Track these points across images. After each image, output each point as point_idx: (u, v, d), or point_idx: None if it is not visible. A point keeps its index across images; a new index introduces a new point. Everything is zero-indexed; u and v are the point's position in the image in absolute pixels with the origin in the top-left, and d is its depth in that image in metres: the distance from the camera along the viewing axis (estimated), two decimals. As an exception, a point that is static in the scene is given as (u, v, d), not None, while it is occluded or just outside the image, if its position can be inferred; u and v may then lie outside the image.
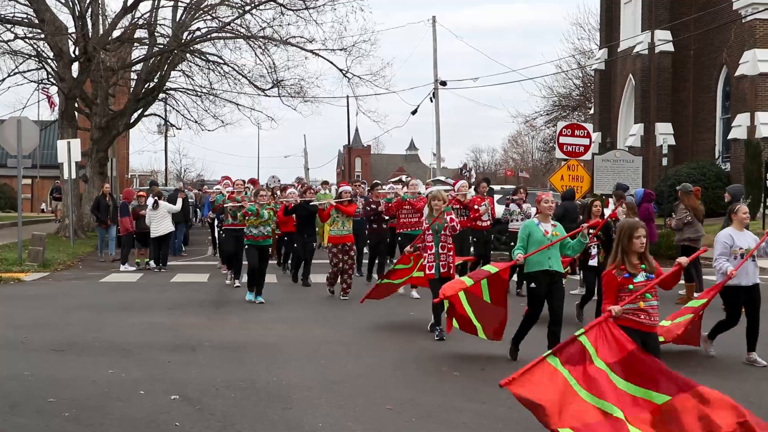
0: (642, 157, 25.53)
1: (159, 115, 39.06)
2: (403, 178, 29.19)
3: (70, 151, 23.18)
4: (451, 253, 10.51)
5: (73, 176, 23.98)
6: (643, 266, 6.78)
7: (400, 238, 14.55)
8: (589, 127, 21.66)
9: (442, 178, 32.04)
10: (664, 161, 32.19)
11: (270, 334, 10.97)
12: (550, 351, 6.35)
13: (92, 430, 6.62)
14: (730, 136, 32.36)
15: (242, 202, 14.24)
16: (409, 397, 7.66)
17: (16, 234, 20.43)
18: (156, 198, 19.07)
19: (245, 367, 8.87)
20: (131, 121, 31.87)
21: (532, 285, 9.09)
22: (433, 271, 10.37)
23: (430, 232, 10.42)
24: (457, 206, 14.45)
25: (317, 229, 17.35)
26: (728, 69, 33.51)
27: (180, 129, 38.01)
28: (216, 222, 18.11)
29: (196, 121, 34.83)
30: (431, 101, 41.87)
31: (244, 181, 16.40)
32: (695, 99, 36.41)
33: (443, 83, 41.93)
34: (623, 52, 39.84)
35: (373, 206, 15.99)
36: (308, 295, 14.72)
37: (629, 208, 13.04)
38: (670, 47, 36.59)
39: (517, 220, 14.76)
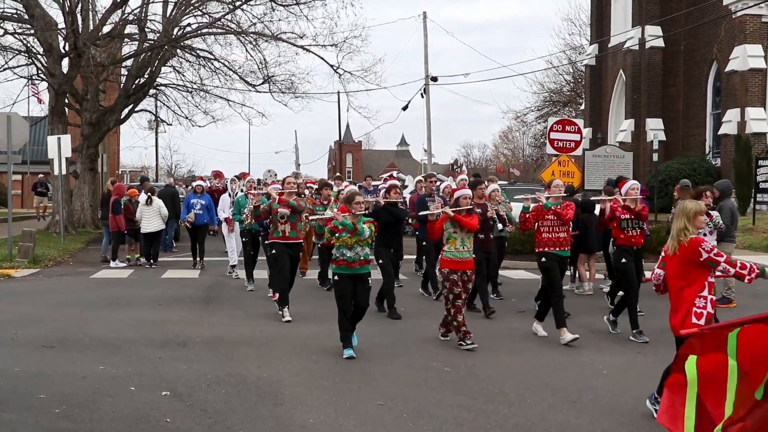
0: (632, 152, 25.59)
1: (150, 111, 39.00)
2: (395, 173, 29.10)
3: (60, 147, 23.11)
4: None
5: (64, 172, 23.90)
6: None
7: (544, 259, 10.57)
8: (580, 122, 21.64)
9: (434, 174, 32.02)
10: (655, 156, 32.26)
11: (259, 329, 10.97)
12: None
13: (82, 427, 6.61)
14: (720, 132, 32.53)
15: (333, 214, 10.11)
16: (399, 393, 7.68)
17: (5, 230, 20.37)
18: (149, 194, 19.00)
19: (235, 363, 8.88)
20: (122, 116, 31.80)
21: None
22: (702, 321, 6.72)
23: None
24: (627, 216, 11.13)
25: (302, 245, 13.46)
26: (718, 64, 33.66)
27: (171, 125, 37.99)
28: (240, 230, 15.51)
29: (186, 117, 34.80)
30: (422, 97, 41.93)
31: (312, 179, 13.50)
32: (686, 94, 36.56)
33: (434, 79, 41.96)
34: (614, 48, 39.95)
35: (479, 210, 11.40)
36: (296, 292, 14.65)
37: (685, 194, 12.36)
38: (660, 43, 36.75)
39: (704, 234, 10.91)
